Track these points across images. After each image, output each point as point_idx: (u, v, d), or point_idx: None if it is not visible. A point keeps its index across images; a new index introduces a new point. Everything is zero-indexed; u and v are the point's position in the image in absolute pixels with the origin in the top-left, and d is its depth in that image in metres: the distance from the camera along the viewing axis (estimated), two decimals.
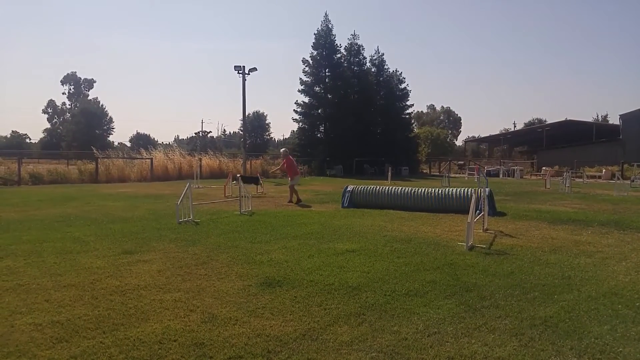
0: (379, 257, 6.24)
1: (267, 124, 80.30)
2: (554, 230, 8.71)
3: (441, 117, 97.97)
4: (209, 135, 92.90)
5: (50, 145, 77.41)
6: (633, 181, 24.63)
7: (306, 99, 41.04)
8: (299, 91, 41.11)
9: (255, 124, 76.85)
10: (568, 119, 50.00)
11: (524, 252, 6.68)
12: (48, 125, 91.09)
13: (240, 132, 58.17)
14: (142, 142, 76.75)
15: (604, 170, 33.85)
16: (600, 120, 77.37)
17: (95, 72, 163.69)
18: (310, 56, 40.81)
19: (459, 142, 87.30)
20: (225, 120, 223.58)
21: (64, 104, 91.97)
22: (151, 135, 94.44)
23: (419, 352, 3.31)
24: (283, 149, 15.43)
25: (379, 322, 3.89)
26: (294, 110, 41.09)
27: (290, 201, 13.48)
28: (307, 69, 40.87)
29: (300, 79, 41.08)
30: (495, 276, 5.30)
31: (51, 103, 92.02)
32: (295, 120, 41.52)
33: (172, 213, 9.76)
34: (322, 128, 41.79)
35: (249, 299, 4.46)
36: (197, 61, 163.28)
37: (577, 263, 6.01)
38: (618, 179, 20.87)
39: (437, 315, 4.05)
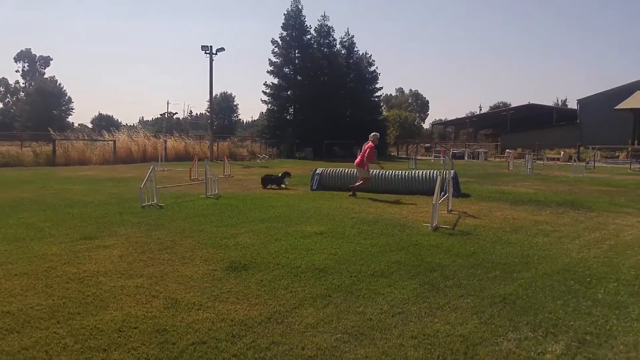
0: (346, 239, 6.27)
1: (235, 106, 79.15)
2: (515, 210, 8.96)
3: (409, 101, 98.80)
4: (175, 116, 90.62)
5: (2, 126, 73.48)
6: (588, 163, 25.63)
7: (275, 81, 40.58)
8: (268, 72, 40.60)
9: (223, 105, 75.55)
10: (531, 103, 51.42)
11: (486, 232, 6.84)
12: (0, 105, 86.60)
13: (208, 114, 57.03)
14: (104, 123, 74.27)
15: (562, 153, 35.08)
16: (560, 104, 79.83)
17: (53, 50, 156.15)
18: (279, 37, 40.24)
19: (426, 125, 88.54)
20: (192, 102, 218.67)
21: (17, 82, 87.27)
22: (114, 117, 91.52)
23: (383, 332, 3.35)
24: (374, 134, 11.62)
25: (345, 303, 3.92)
26: (262, 91, 40.63)
27: (354, 194, 11.06)
28: (276, 49, 40.29)
29: (270, 59, 40.53)
30: (459, 256, 5.41)
31: (3, 81, 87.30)
32: (264, 101, 41.07)
33: (135, 197, 9.50)
34: (291, 110, 41.49)
35: (213, 284, 4.40)
36: (163, 41, 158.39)
37: (536, 242, 6.21)
38: (575, 161, 21.69)
39: (402, 295, 4.10)
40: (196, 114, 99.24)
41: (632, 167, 24.14)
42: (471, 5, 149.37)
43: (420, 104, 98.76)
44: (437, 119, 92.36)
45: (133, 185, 12.63)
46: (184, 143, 31.44)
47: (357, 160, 11.32)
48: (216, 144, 32.67)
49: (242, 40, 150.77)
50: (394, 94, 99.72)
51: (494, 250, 5.74)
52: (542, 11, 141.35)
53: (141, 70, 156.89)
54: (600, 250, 5.74)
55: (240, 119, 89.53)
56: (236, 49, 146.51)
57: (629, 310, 3.77)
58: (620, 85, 40.24)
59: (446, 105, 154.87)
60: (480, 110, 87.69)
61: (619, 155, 33.73)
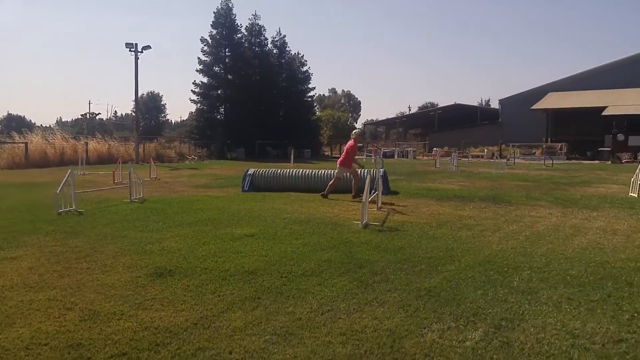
0: (277, 240, 6.22)
1: (163, 105, 76.11)
2: (441, 206, 9.35)
3: (342, 101, 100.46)
4: (97, 117, 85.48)
5: None
6: (509, 160, 27.46)
7: (205, 80, 39.55)
8: (197, 71, 39.45)
9: (150, 105, 72.40)
10: (457, 103, 54.12)
11: (414, 227, 7.08)
12: None
13: (133, 114, 54.37)
14: (14, 124, 68.48)
15: (486, 150, 37.32)
16: (483, 104, 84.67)
17: None
18: (209, 35, 39.25)
19: (359, 125, 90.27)
20: (117, 102, 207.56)
21: None
22: (26, 117, 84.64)
23: (312, 331, 3.35)
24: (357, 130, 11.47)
25: (274, 304, 3.87)
26: (192, 90, 39.41)
27: (358, 195, 10.33)
28: (206, 48, 39.28)
29: (199, 58, 39.41)
30: (387, 252, 5.55)
31: None
32: (193, 101, 39.88)
33: (50, 203, 8.81)
34: (222, 109, 40.63)
35: (136, 291, 4.18)
36: (84, 37, 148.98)
37: (459, 236, 6.51)
38: (497, 158, 23.17)
39: (331, 293, 4.13)
40: (121, 114, 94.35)
41: (546, 163, 26.14)
42: (396, 9, 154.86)
43: (352, 105, 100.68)
44: (369, 119, 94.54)
45: (48, 190, 11.70)
46: (107, 145, 29.74)
47: (339, 160, 11.18)
48: (142, 146, 31.24)
49: (169, 38, 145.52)
50: (327, 94, 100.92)
51: (420, 245, 5.94)
52: (463, 16, 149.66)
53: (59, 67, 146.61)
54: (517, 241, 6.13)
55: (168, 120, 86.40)
56: (163, 46, 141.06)
57: (539, 295, 4.05)
58: (536, 86, 43.44)
59: (377, 105, 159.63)
60: (410, 110, 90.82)
61: (535, 152, 36.45)
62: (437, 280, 4.48)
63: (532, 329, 3.34)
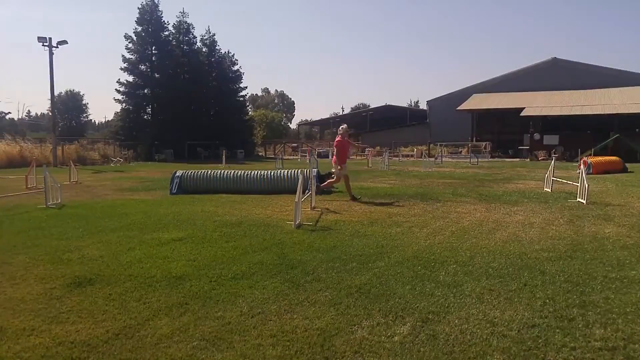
0: (207, 243, 6.04)
1: (85, 105, 71.57)
2: (372, 204, 9.56)
3: (275, 101, 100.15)
4: (7, 116, 78.62)
5: None
6: (437, 159, 28.74)
7: (130, 78, 37.76)
8: (122, 69, 37.55)
9: (70, 105, 67.72)
10: (388, 104, 55.79)
11: (346, 226, 7.17)
12: None
13: (50, 114, 50.63)
14: None
15: (415, 150, 38.82)
16: (413, 105, 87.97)
17: None
18: (134, 32, 37.51)
19: (293, 125, 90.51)
20: (30, 100, 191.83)
21: None
22: None
23: (242, 335, 3.27)
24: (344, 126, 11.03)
25: (203, 309, 3.75)
26: (116, 89, 37.45)
27: (354, 197, 10.42)
28: (130, 45, 37.48)
29: (123, 56, 37.55)
30: (319, 251, 5.56)
31: None
32: (117, 100, 37.91)
33: None
34: (149, 109, 38.97)
35: (50, 304, 3.87)
36: None
37: (390, 233, 6.68)
38: (425, 157, 24.17)
39: (262, 295, 4.06)
40: (35, 113, 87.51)
41: (471, 161, 27.63)
42: (327, 9, 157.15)
43: (286, 105, 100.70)
44: (304, 119, 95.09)
45: None
46: (18, 147, 27.48)
47: (333, 159, 10.91)
48: (61, 148, 29.19)
49: (90, 33, 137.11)
50: (260, 94, 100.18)
51: (352, 243, 6.02)
52: (393, 18, 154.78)
53: None
54: (443, 237, 6.39)
55: (91, 120, 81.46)
56: (83, 42, 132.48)
57: (464, 287, 4.24)
58: (461, 88, 45.79)
59: (312, 106, 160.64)
60: (343, 111, 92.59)
61: (461, 151, 38.42)
62: (367, 277, 4.56)
63: (456, 321, 3.48)
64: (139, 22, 37.48)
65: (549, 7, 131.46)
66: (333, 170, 10.86)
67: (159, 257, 5.34)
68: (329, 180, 10.96)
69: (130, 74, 37.75)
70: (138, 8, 37.53)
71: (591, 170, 16.51)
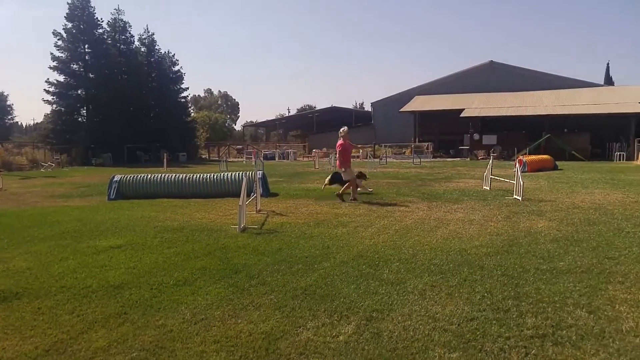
0: (147, 250, 5.81)
1: (9, 106, 66.84)
2: (319, 206, 9.59)
3: (219, 102, 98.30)
4: None
5: None
6: (381, 159, 29.33)
7: (61, 78, 35.45)
8: (51, 68, 35.25)
9: None
10: (333, 105, 56.32)
11: (292, 228, 7.15)
12: None
13: None
14: None
15: (361, 151, 39.41)
16: (358, 107, 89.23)
17: None
18: (64, 29, 35.25)
19: (237, 126, 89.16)
20: None
21: None
22: None
23: (184, 342, 3.18)
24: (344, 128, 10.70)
25: (143, 318, 3.60)
26: (45, 90, 35.07)
27: (355, 198, 10.22)
28: (60, 43, 35.24)
29: (52, 54, 35.28)
30: (264, 254, 5.50)
31: None
32: (47, 102, 35.50)
33: None
34: (83, 111, 36.81)
35: None
36: None
37: (335, 233, 6.73)
38: (370, 158, 24.62)
39: (206, 301, 3.96)
40: None
41: (414, 161, 28.39)
42: (270, 9, 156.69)
43: (230, 106, 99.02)
44: (249, 120, 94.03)
45: None
46: None
47: (337, 164, 10.63)
48: None
49: (16, 30, 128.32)
50: (202, 95, 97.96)
51: (298, 245, 6.00)
52: (338, 21, 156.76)
53: None
54: (387, 235, 6.52)
55: (17, 122, 76.27)
56: (9, 39, 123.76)
57: (407, 285, 4.35)
58: (404, 90, 47.04)
59: (257, 107, 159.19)
60: (289, 112, 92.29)
61: (405, 152, 39.45)
62: (313, 278, 4.56)
63: (399, 317, 3.56)
64: (69, 18, 35.33)
65: (485, 11, 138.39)
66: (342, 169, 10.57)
67: (95, 266, 5.07)
68: (344, 187, 10.45)
69: (61, 74, 35.50)
70: (68, 3, 35.42)
71: (526, 169, 17.53)
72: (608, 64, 67.23)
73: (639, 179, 14.35)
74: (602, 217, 7.62)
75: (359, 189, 10.90)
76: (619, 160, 26.90)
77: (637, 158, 25.43)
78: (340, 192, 10.35)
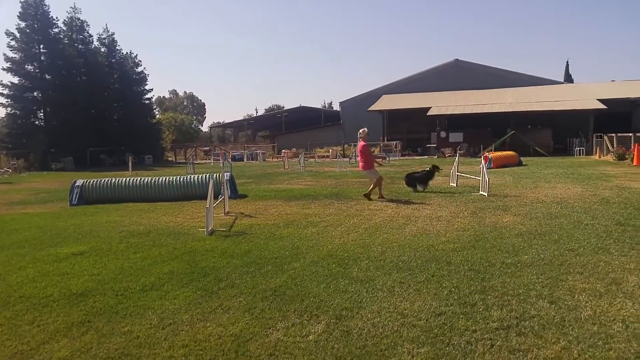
0: (112, 256, 5.66)
1: None
2: (288, 206, 9.56)
3: (185, 103, 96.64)
4: None
5: None
6: (351, 159, 29.50)
7: (15, 80, 34.07)
8: (4, 69, 33.83)
9: None
10: (302, 105, 56.19)
11: (262, 229, 7.10)
12: None
13: None
14: None
15: (330, 151, 39.50)
16: (327, 106, 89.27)
17: None
18: (16, 28, 33.88)
19: (204, 128, 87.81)
20: None
21: None
22: None
23: (152, 348, 3.11)
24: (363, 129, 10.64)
25: (108, 326, 3.50)
26: None
27: (382, 196, 10.22)
28: (13, 43, 33.86)
29: (5, 54, 33.89)
30: (233, 257, 5.45)
31: None
32: (1, 104, 34.08)
33: None
34: (41, 114, 35.46)
35: None
36: None
37: (305, 234, 6.72)
38: (340, 157, 24.70)
39: (173, 305, 3.89)
40: None
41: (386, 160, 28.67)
42: (232, 10, 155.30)
43: (196, 107, 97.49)
44: (216, 121, 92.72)
45: None
46: None
47: (360, 165, 10.35)
48: None
49: None
50: (167, 96, 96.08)
51: (267, 246, 5.97)
52: (303, 21, 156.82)
53: None
54: (357, 234, 6.56)
55: None
56: None
57: (376, 282, 4.39)
58: (372, 89, 47.40)
59: (224, 108, 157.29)
60: (257, 112, 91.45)
61: (374, 151, 39.77)
62: (282, 279, 4.54)
63: (369, 315, 3.59)
64: (22, 17, 33.96)
65: (450, 10, 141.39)
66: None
67: (56, 275, 4.90)
68: (371, 188, 10.30)
69: (14, 75, 34.12)
70: (20, 2, 34.02)
71: (492, 165, 17.98)
72: (567, 62, 69.93)
73: (597, 173, 14.97)
74: (564, 211, 7.90)
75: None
76: (579, 155, 27.95)
77: (596, 153, 26.50)
78: (367, 192, 10.25)
